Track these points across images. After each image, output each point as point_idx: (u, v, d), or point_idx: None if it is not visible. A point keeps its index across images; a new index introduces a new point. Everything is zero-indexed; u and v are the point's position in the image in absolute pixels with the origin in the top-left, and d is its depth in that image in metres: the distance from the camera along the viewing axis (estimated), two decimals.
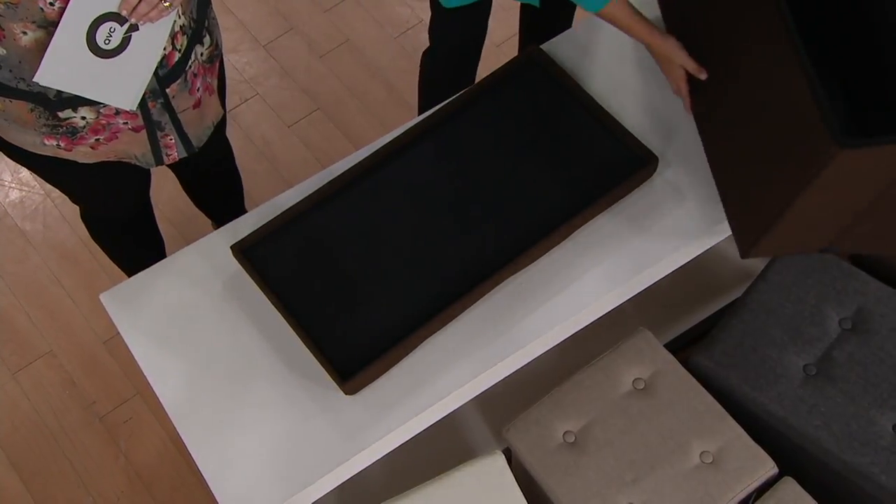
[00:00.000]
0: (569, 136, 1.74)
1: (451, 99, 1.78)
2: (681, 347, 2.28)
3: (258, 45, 2.92)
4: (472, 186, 1.70)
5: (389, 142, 1.73)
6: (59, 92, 1.47)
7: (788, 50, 1.40)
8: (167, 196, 2.65)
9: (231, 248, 1.64)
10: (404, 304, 1.60)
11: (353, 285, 1.62)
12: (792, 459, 1.80)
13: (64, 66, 1.40)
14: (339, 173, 1.74)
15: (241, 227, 1.72)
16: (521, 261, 1.62)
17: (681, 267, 1.73)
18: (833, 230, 1.55)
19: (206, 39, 1.63)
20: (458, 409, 2.08)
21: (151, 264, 1.70)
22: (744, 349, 1.83)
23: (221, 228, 1.73)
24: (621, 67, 1.86)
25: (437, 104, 1.87)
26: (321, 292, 1.61)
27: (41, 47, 1.38)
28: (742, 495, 1.70)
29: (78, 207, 2.02)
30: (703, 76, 1.66)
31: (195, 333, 1.62)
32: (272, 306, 1.63)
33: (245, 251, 1.65)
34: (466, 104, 1.78)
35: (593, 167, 1.71)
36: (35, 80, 1.39)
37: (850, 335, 1.83)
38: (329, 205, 1.69)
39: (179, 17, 1.50)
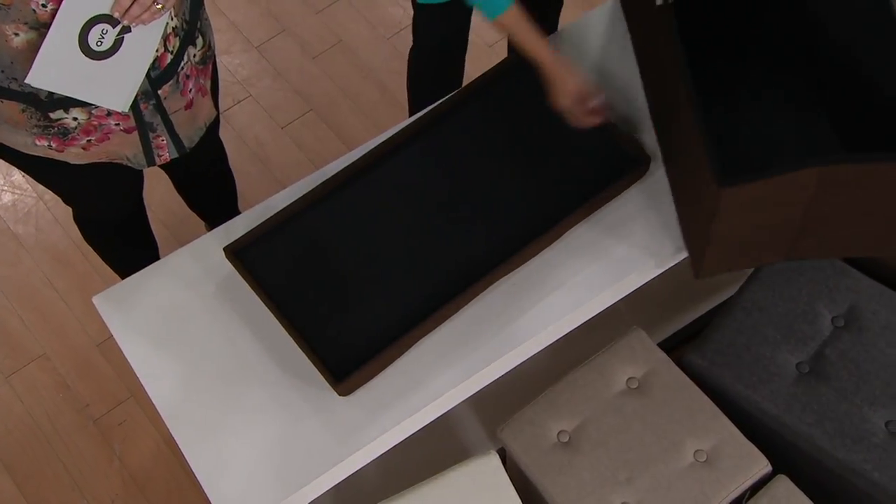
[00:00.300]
0: (561, 135, 1.74)
1: (443, 100, 1.78)
2: (674, 346, 2.28)
3: (251, 47, 2.92)
4: (466, 187, 1.70)
5: (382, 143, 1.73)
6: (51, 93, 1.46)
7: (684, 91, 1.49)
8: (160, 198, 2.65)
9: (224, 249, 1.64)
10: (398, 305, 1.60)
11: (346, 286, 1.62)
12: (785, 457, 1.81)
13: (56, 68, 1.39)
14: (332, 174, 1.74)
15: (235, 228, 1.72)
16: (515, 261, 1.62)
17: (673, 266, 1.73)
18: (783, 243, 1.57)
19: (199, 41, 1.62)
20: (452, 409, 2.08)
21: (145, 266, 1.69)
22: (737, 348, 1.83)
23: (214, 230, 1.72)
24: (613, 67, 1.86)
25: (426, 101, 1.86)
26: (315, 293, 1.61)
27: (33, 48, 1.37)
28: (736, 493, 1.70)
29: (70, 210, 2.01)
30: (599, 99, 1.63)
31: (188, 335, 1.62)
32: (265, 308, 1.63)
33: (238, 253, 1.65)
34: (459, 105, 1.78)
35: (586, 167, 1.71)
36: (27, 81, 1.39)
37: (842, 333, 1.83)
38: (322, 206, 1.69)
39: (172, 18, 1.50)
